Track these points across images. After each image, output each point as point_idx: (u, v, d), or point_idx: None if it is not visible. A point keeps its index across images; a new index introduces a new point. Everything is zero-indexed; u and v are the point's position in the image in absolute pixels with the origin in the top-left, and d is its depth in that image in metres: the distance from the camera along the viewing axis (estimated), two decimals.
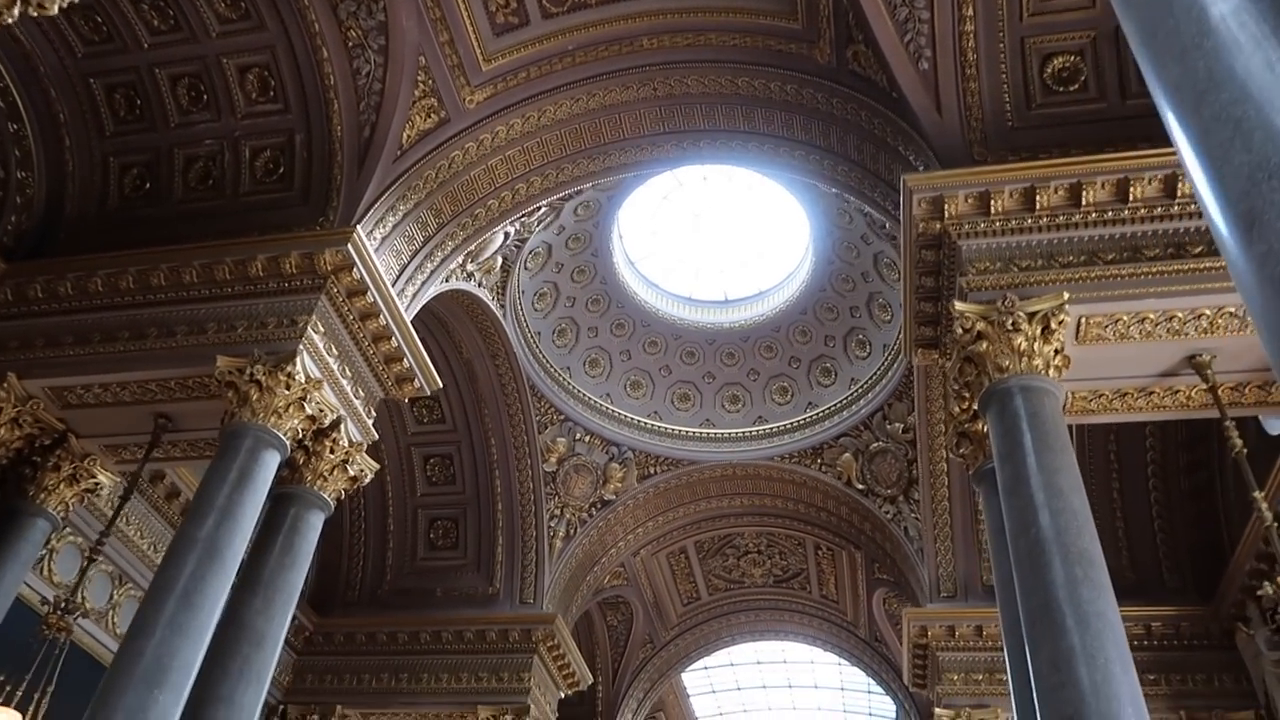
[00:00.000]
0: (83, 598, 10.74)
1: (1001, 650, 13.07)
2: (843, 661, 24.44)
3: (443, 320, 14.31)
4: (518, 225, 12.83)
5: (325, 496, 9.31)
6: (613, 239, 16.03)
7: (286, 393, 8.73)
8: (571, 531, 16.22)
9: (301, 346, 8.98)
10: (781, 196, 15.96)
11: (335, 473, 9.43)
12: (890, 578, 16.81)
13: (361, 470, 9.81)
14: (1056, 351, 7.66)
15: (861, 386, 15.65)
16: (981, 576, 14.24)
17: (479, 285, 13.59)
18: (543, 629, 14.88)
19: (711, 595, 19.68)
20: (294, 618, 15.19)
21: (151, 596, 7.46)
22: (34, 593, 10.66)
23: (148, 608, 7.39)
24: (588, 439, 16.36)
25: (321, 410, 9.17)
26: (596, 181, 12.26)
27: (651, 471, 16.63)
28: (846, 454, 15.70)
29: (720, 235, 18.65)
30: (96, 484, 10.23)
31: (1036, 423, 7.15)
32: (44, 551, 10.77)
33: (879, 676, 19.38)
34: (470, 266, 12.80)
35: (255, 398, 8.63)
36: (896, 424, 15.06)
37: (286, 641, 15.05)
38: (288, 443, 8.74)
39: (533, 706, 14.34)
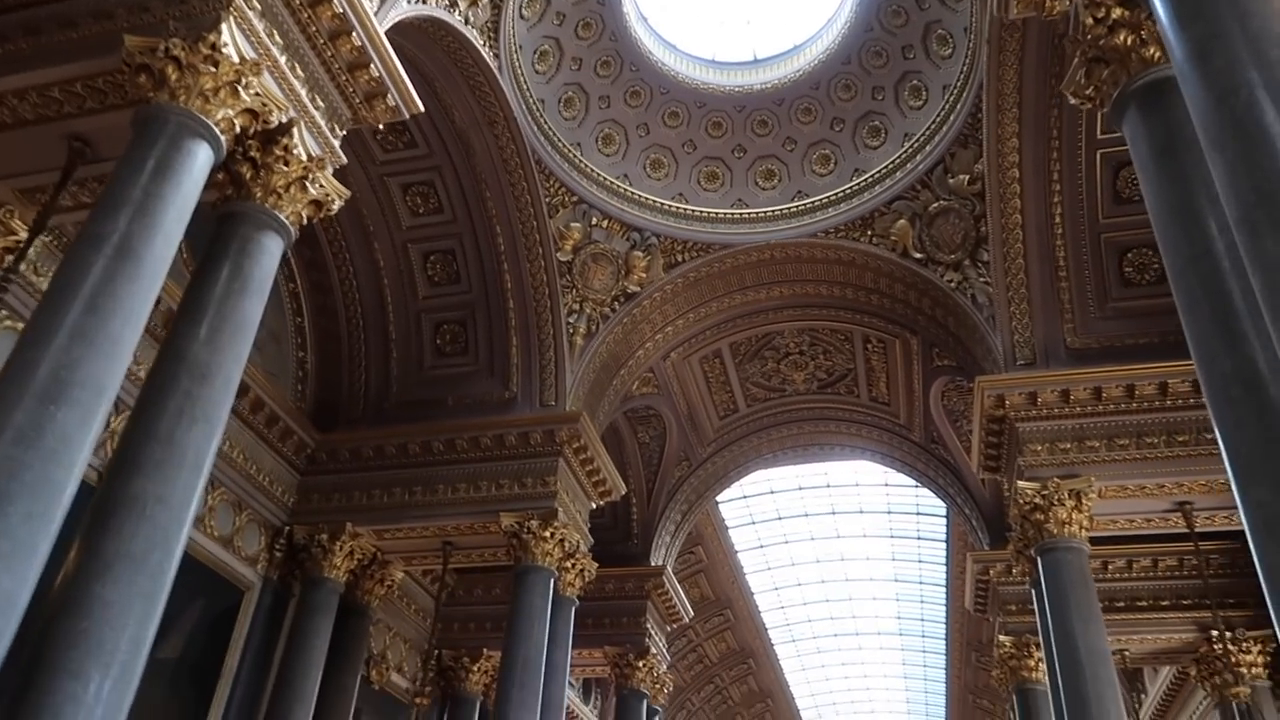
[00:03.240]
0: None
1: (1093, 417, 11.44)
2: (890, 483, 23.16)
3: (429, 80, 12.24)
4: None
5: (281, 218, 7.49)
6: None
7: (214, 71, 6.83)
8: (593, 328, 14.50)
9: (229, 16, 7.02)
10: None
11: (293, 191, 7.59)
12: (952, 362, 15.05)
13: (327, 195, 7.96)
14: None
15: (918, 140, 13.54)
16: (1065, 338, 12.45)
17: (465, 22, 11.46)
18: (567, 429, 13.31)
19: (750, 407, 18.07)
20: (296, 436, 13.90)
21: (49, 301, 5.76)
22: None
23: (43, 313, 5.70)
24: (605, 224, 14.45)
25: (264, 105, 7.27)
26: None
27: (679, 259, 14.76)
28: (901, 220, 13.72)
29: None
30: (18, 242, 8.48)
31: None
32: None
33: (935, 484, 17.87)
34: None
35: (174, 78, 6.75)
36: (961, 176, 13.00)
37: (288, 460, 13.69)
38: (221, 137, 6.88)
39: (560, 510, 12.89)
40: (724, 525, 24.33)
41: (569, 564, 13.19)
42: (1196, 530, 11.70)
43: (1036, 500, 11.20)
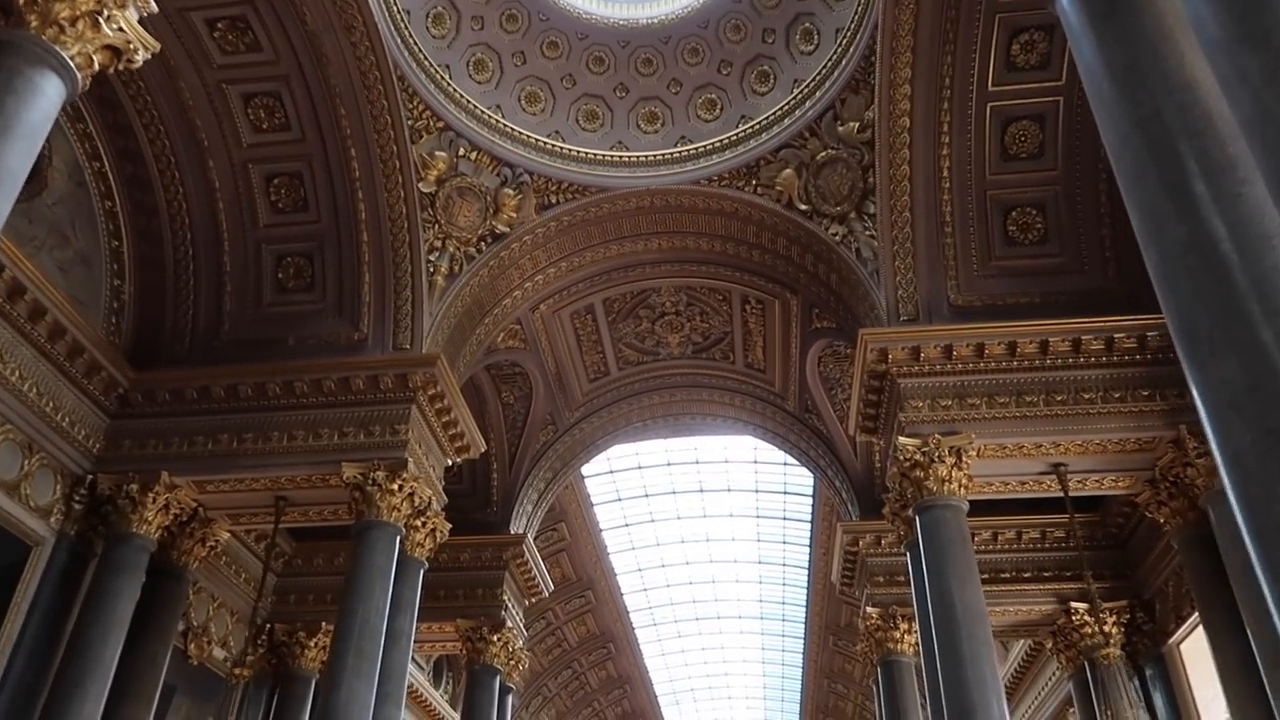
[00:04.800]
0: None
1: (974, 374, 11.11)
2: (759, 459, 22.80)
3: None
4: None
5: (65, 56, 6.08)
6: None
7: None
8: (456, 269, 13.31)
9: None
10: None
11: (82, 27, 6.18)
12: (832, 324, 14.58)
13: (128, 42, 6.56)
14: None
15: (808, 85, 12.93)
16: (948, 295, 12.10)
17: None
18: (422, 374, 12.09)
19: (622, 370, 17.20)
20: (105, 373, 12.14)
21: None
22: None
23: None
24: (474, 156, 13.26)
25: None
26: None
27: (553, 201, 13.72)
28: (788, 169, 13.09)
29: None
30: None
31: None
32: None
33: (807, 455, 17.47)
34: None
35: None
36: (851, 123, 12.46)
37: (95, 400, 11.95)
38: None
39: (411, 462, 11.67)
40: (589, 501, 23.41)
41: (419, 522, 11.99)
42: (1070, 495, 11.51)
43: (917, 457, 10.76)
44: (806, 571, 26.32)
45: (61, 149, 12.03)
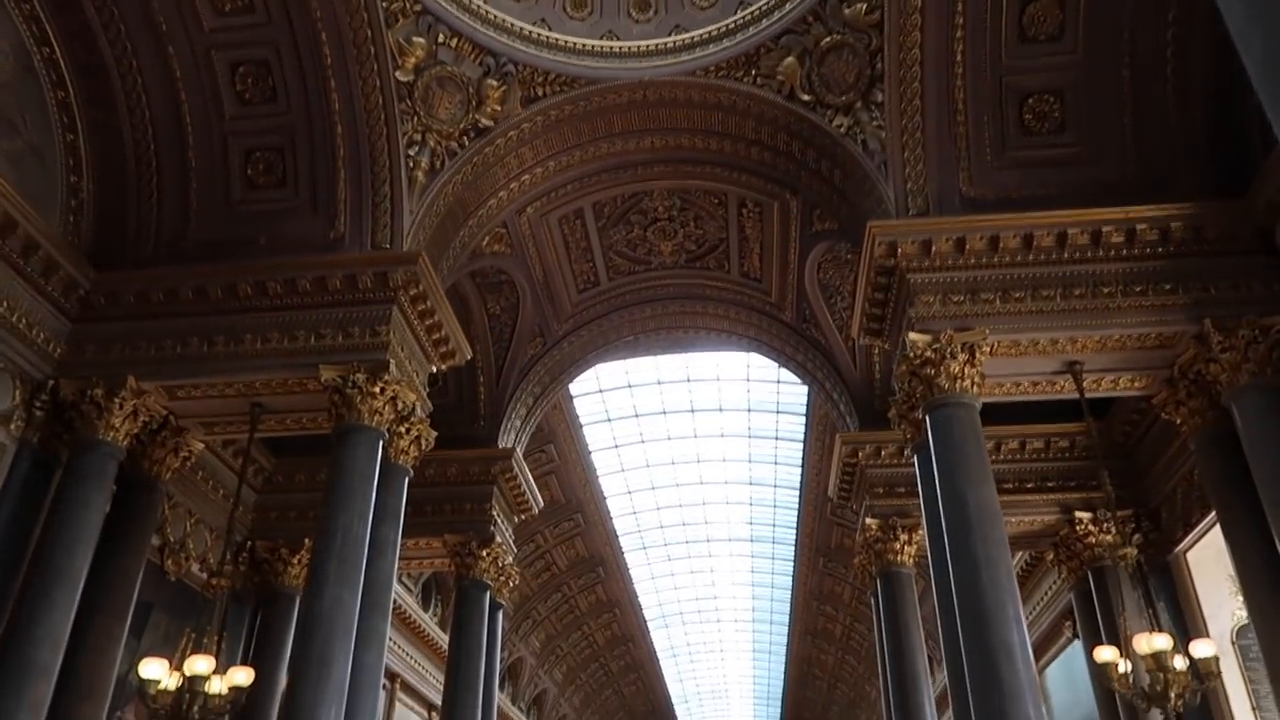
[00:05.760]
0: None
1: (988, 269, 10.53)
2: (751, 378, 22.34)
3: None
4: None
5: None
6: None
7: None
8: (438, 164, 12.52)
9: None
10: None
11: None
12: (834, 225, 13.93)
13: None
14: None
15: None
16: (960, 188, 11.44)
17: None
18: (403, 272, 11.39)
19: (612, 280, 16.53)
20: (63, 272, 11.38)
21: None
22: None
23: None
24: (454, 43, 12.36)
25: None
26: None
27: (539, 93, 12.87)
28: (789, 57, 12.27)
29: None
30: None
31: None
32: None
33: (803, 368, 16.92)
34: None
35: None
36: (857, 5, 11.58)
37: (54, 302, 11.24)
38: None
39: (393, 364, 11.04)
40: (578, 422, 22.92)
41: (402, 429, 11.41)
42: (1085, 396, 11.04)
43: (928, 354, 10.23)
44: (798, 493, 26.08)
45: (6, 30, 11.10)
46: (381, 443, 10.89)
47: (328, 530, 10.02)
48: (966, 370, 10.11)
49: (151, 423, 11.49)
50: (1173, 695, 9.10)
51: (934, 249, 10.75)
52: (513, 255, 15.04)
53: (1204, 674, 9.15)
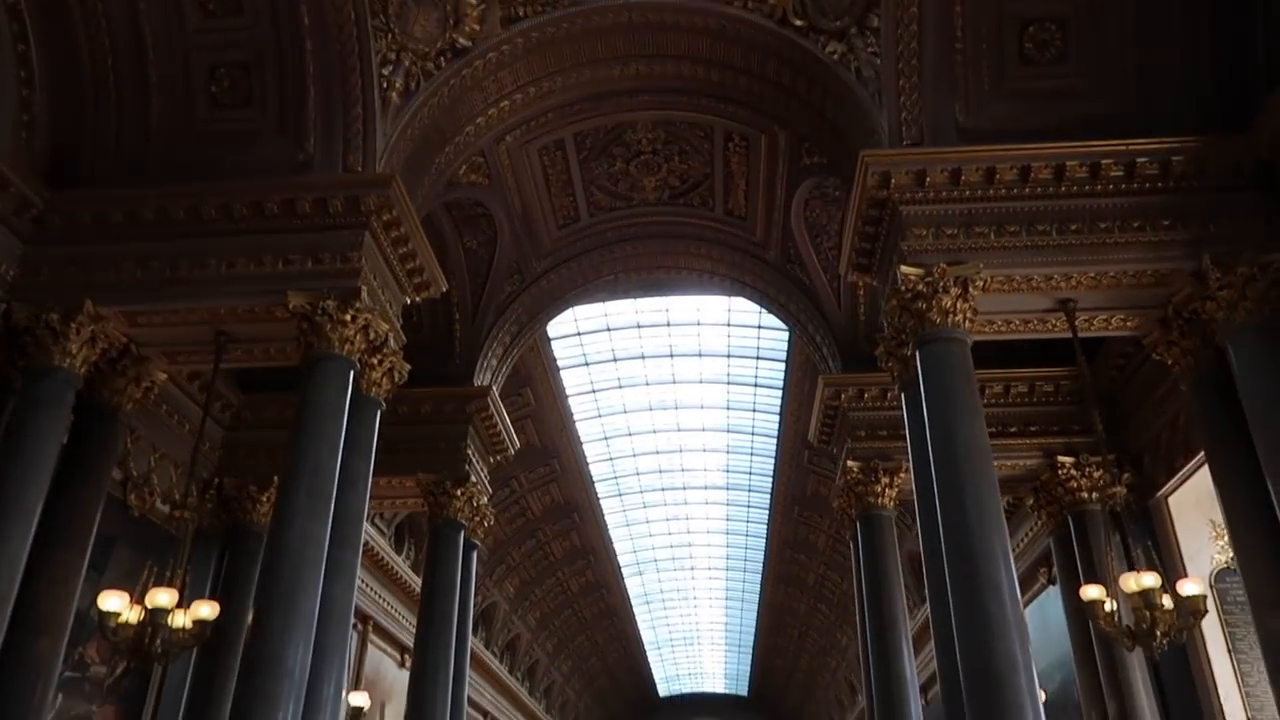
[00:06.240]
0: None
1: (983, 201, 10.21)
2: (732, 323, 22.06)
3: None
4: None
5: None
6: None
7: None
8: (413, 85, 11.93)
9: None
10: None
11: None
12: (824, 159, 13.53)
13: None
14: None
15: None
16: (956, 118, 11.06)
17: None
18: (376, 195, 10.89)
19: (593, 216, 16.06)
20: (15, 189, 10.79)
21: None
22: None
23: None
24: None
25: None
26: None
27: (520, 13, 12.25)
28: None
29: None
30: None
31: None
32: None
33: (786, 310, 16.61)
34: None
35: None
36: None
37: (5, 222, 10.66)
38: None
39: (365, 291, 10.60)
40: (555, 365, 22.55)
41: (375, 360, 10.99)
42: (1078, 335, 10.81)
43: (919, 288, 9.93)
44: (775, 440, 25.96)
45: None
46: (353, 373, 10.48)
47: (296, 462, 9.66)
48: (959, 305, 9.83)
49: (111, 350, 11.01)
50: (1159, 634, 9.00)
51: (928, 180, 10.39)
52: (491, 186, 14.52)
53: (1192, 611, 9.04)
